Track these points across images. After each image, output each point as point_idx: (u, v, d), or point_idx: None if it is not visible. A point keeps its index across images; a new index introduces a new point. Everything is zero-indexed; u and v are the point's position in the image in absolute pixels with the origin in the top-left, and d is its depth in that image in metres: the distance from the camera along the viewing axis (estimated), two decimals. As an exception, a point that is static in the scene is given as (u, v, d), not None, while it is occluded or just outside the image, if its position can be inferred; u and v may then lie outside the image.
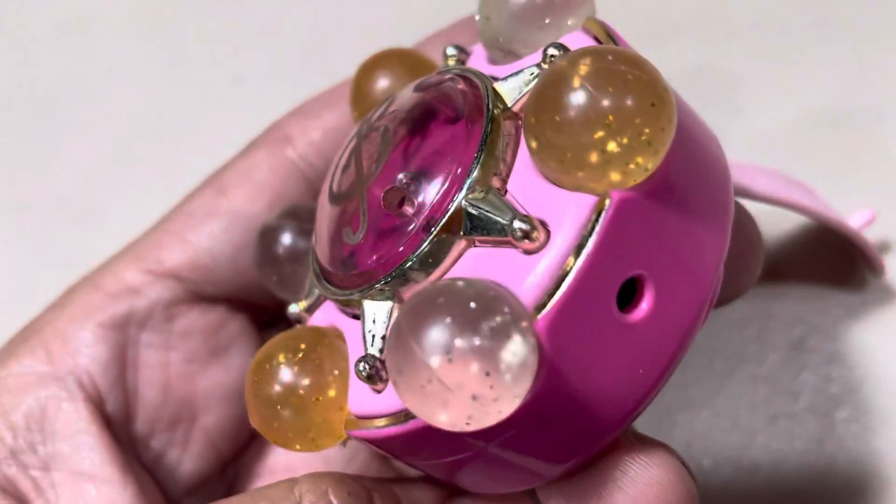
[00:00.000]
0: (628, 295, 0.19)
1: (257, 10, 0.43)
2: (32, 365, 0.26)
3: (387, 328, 0.21)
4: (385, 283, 0.21)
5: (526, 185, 0.20)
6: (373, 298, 0.21)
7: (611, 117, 0.18)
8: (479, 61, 0.25)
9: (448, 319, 0.17)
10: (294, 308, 0.25)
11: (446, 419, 0.17)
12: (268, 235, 0.26)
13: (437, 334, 0.17)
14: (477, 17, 0.24)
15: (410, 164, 0.22)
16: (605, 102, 0.18)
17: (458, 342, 0.17)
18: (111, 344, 0.27)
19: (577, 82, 0.18)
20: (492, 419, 0.17)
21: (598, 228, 0.18)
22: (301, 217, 0.27)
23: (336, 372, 0.22)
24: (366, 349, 0.21)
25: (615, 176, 0.18)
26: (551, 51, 0.21)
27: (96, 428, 0.25)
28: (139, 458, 0.27)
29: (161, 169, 0.33)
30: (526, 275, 0.19)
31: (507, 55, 0.23)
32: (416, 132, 0.22)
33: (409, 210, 0.21)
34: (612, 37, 0.22)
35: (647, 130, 0.18)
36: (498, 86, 0.22)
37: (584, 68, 0.18)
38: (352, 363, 0.22)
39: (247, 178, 0.29)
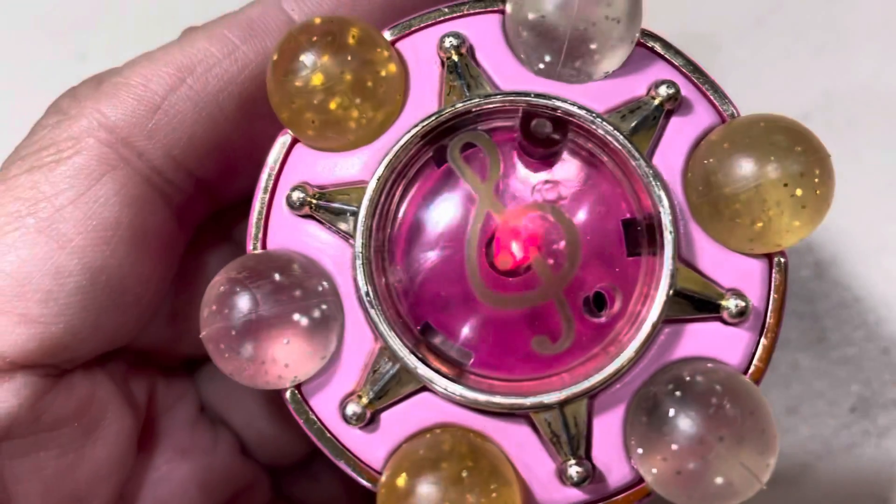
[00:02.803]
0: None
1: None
2: None
3: (587, 428, 0.20)
4: (601, 385, 0.19)
5: (693, 248, 0.20)
6: (569, 403, 0.19)
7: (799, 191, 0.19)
8: (500, 61, 0.21)
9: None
10: (355, 408, 0.20)
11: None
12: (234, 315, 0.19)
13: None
14: (529, 15, 0.20)
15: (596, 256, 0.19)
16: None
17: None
18: None
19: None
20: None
21: (782, 289, 0.21)
22: (263, 276, 0.20)
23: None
24: (572, 453, 0.19)
25: (786, 243, 0.20)
26: (664, 90, 0.20)
27: None
28: None
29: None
30: (739, 349, 0.20)
31: (565, 70, 0.20)
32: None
33: (610, 309, 0.19)
34: (677, 51, 0.21)
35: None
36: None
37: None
38: (528, 466, 0.20)
39: (91, 217, 0.21)
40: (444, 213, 0.20)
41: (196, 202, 0.24)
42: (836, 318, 0.35)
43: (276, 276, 0.20)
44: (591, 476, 0.19)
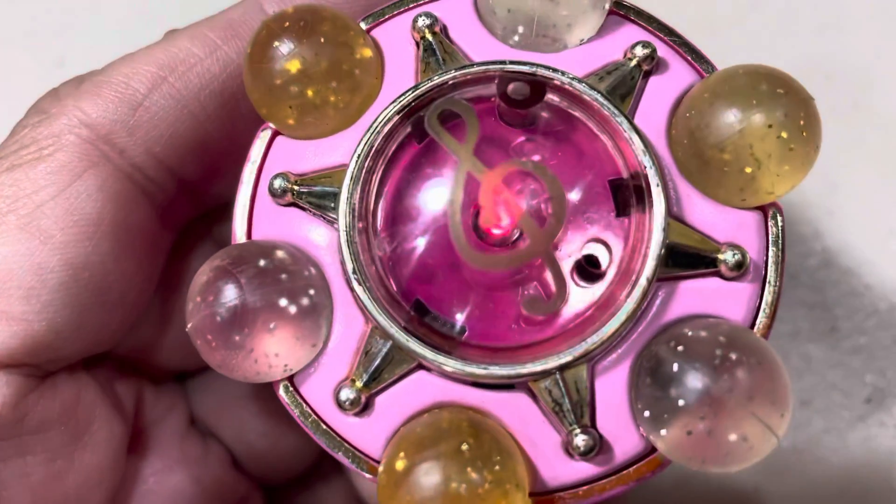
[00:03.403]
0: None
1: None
2: None
3: (590, 395, 0.19)
4: (600, 348, 0.18)
5: (685, 206, 0.20)
6: (569, 367, 0.19)
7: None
8: (474, 37, 0.21)
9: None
10: (349, 393, 0.19)
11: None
12: (223, 304, 0.18)
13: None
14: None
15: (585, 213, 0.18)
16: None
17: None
18: None
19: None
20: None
21: (779, 241, 0.20)
22: (247, 262, 0.19)
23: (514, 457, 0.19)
24: (576, 421, 0.19)
25: (778, 190, 0.20)
26: (640, 50, 0.20)
27: None
28: None
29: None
30: (741, 304, 0.19)
31: (540, 41, 0.20)
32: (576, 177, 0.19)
33: (602, 268, 0.18)
34: (651, 16, 0.21)
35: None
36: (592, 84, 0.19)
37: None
38: (532, 441, 0.19)
39: (72, 213, 0.21)
40: (427, 187, 0.20)
41: (180, 203, 0.24)
42: (846, 306, 0.34)
43: (261, 262, 0.19)
44: (599, 445, 0.19)
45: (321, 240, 0.20)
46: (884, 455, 0.33)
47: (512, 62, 0.20)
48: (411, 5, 0.22)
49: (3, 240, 0.20)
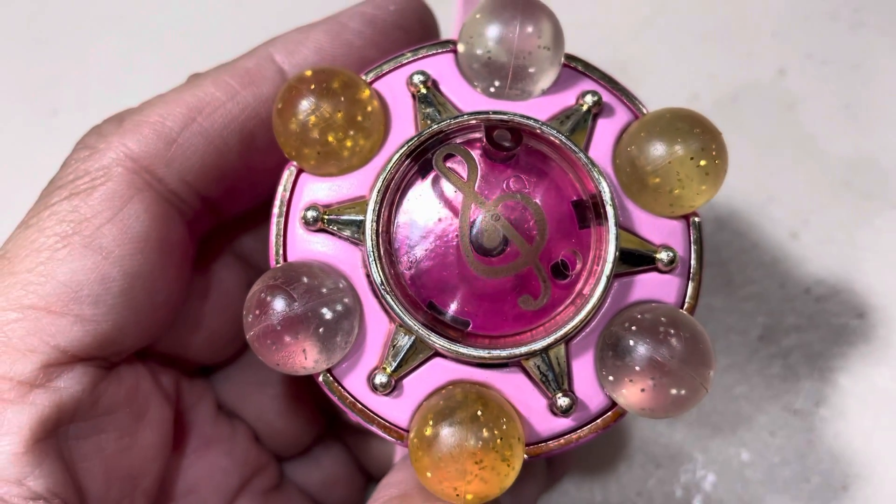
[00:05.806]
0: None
1: (70, 42, 0.45)
2: None
3: (567, 367, 0.25)
4: (574, 331, 0.24)
5: (628, 217, 0.26)
6: (552, 348, 0.25)
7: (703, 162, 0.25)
8: (459, 89, 0.26)
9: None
10: (382, 378, 0.25)
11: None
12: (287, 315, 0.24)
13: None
14: (478, 52, 0.25)
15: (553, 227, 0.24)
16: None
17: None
18: (51, 459, 0.24)
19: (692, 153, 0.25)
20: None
21: (699, 241, 0.26)
22: (295, 280, 0.24)
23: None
24: (558, 388, 0.25)
25: (697, 203, 0.26)
26: (589, 98, 0.26)
27: None
28: None
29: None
30: (673, 291, 0.26)
31: (511, 91, 0.26)
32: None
33: (573, 270, 0.24)
34: (595, 68, 0.27)
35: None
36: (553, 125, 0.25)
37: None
38: (525, 404, 0.25)
39: (125, 232, 0.26)
40: (432, 213, 0.25)
41: (202, 217, 0.29)
42: (738, 262, 0.42)
43: (305, 279, 0.24)
44: (575, 404, 0.25)
45: (346, 256, 0.25)
46: (777, 381, 0.41)
47: (494, 112, 0.25)
48: (404, 62, 0.27)
49: (72, 257, 0.25)
